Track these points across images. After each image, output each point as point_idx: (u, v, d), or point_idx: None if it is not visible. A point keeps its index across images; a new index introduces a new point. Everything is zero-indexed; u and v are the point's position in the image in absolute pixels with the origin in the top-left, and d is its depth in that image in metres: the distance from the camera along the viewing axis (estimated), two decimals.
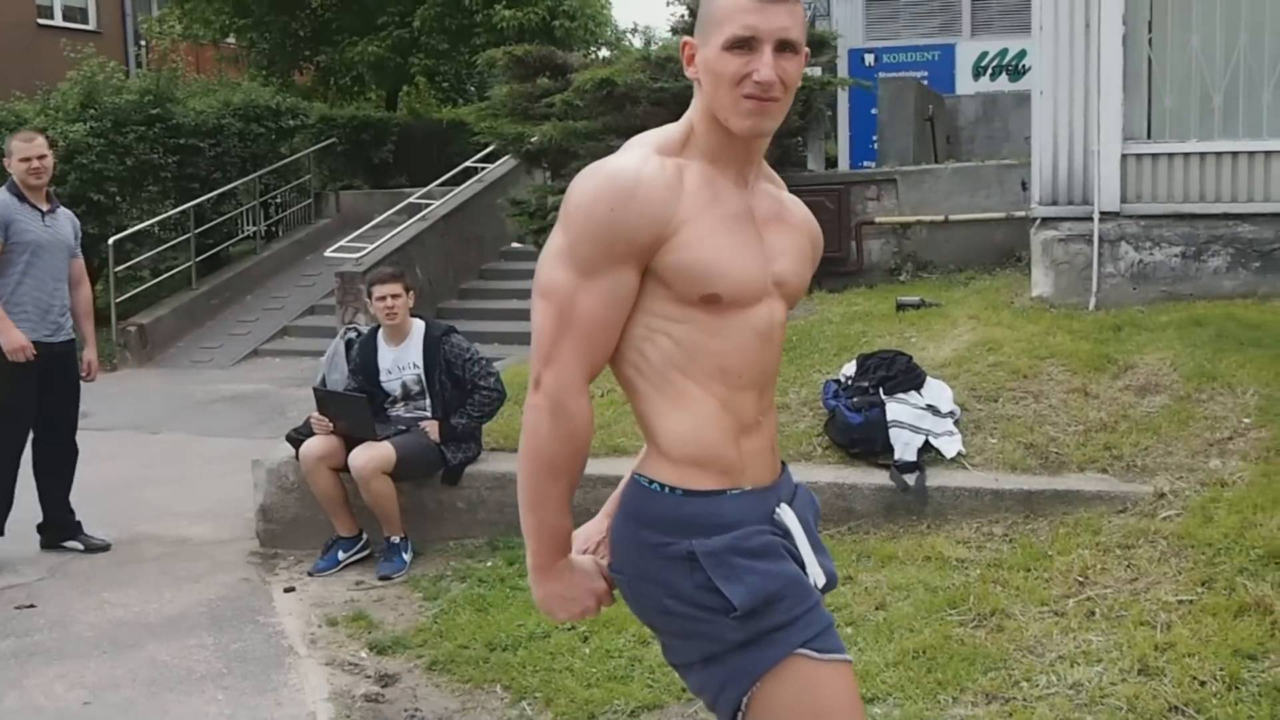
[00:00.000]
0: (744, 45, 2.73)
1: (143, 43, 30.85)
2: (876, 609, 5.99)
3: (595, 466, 3.50)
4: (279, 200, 22.05)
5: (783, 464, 3.04)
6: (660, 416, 2.84)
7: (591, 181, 2.76)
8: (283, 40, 26.23)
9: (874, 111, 17.92)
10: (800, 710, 2.80)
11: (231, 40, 27.23)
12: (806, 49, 2.87)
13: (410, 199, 19.78)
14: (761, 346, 2.88)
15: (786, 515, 2.93)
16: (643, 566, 2.85)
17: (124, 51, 30.15)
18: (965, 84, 19.87)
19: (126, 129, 18.60)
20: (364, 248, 17.48)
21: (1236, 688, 4.89)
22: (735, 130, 2.80)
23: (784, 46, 2.75)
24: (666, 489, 2.82)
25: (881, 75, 18.58)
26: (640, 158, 2.79)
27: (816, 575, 2.93)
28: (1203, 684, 4.94)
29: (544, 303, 2.76)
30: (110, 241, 17.54)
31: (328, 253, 18.17)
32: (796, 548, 2.91)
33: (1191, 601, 5.61)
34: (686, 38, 2.90)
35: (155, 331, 17.81)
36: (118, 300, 17.65)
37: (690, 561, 2.77)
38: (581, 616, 2.97)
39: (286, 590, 7.39)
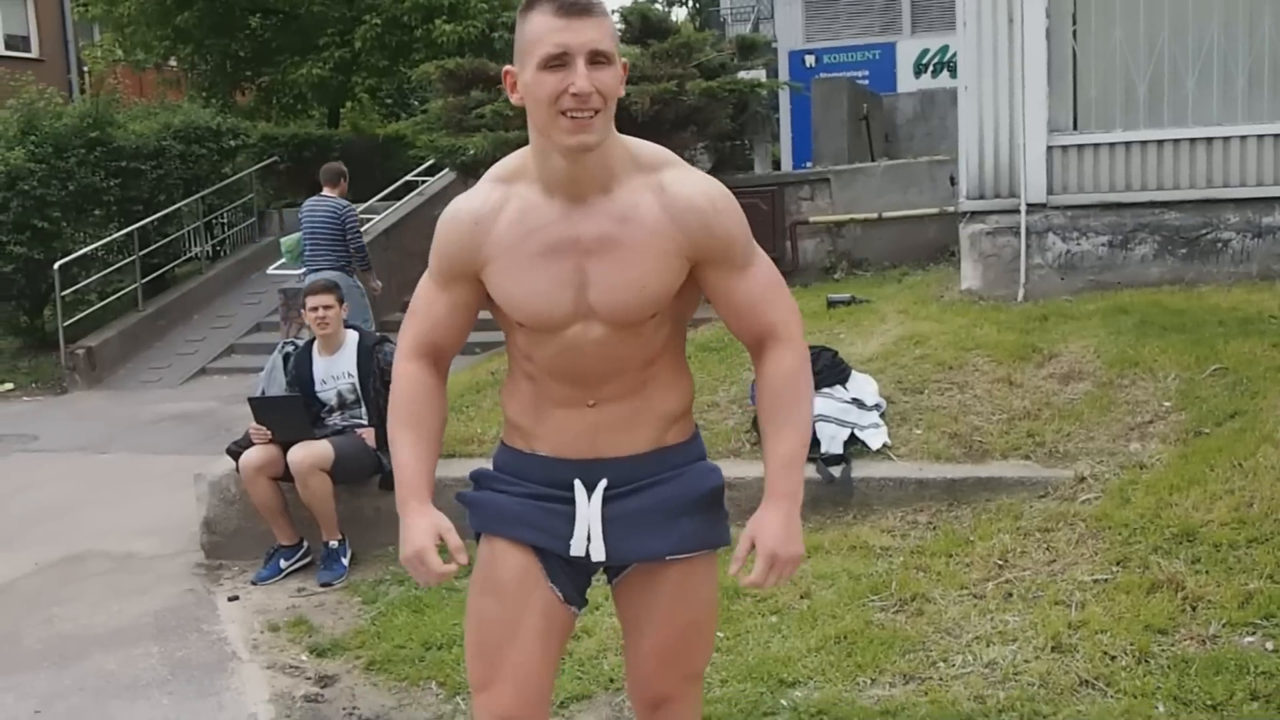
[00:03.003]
0: (558, 61, 2.88)
1: (85, 68, 30.80)
2: (801, 598, 6.10)
3: None
4: (223, 220, 22.01)
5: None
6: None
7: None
8: (223, 62, 26.20)
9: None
10: None
11: (173, 63, 27.20)
12: (625, 60, 3.03)
13: None
14: (580, 356, 3.15)
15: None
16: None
17: (66, 78, 30.09)
18: (907, 82, 20.06)
19: (67, 154, 18.50)
20: None
21: (1146, 661, 5.05)
22: (562, 146, 2.94)
23: (596, 58, 2.89)
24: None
25: (817, 77, 18.74)
26: (471, 193, 3.16)
27: (579, 545, 3.24)
28: (1113, 659, 5.10)
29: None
30: (56, 266, 17.46)
31: (270, 270, 18.20)
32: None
33: (1106, 580, 5.76)
34: (509, 67, 3.04)
35: (103, 354, 17.77)
36: (65, 324, 17.61)
37: None
38: (417, 560, 3.17)
39: (230, 599, 7.48)
